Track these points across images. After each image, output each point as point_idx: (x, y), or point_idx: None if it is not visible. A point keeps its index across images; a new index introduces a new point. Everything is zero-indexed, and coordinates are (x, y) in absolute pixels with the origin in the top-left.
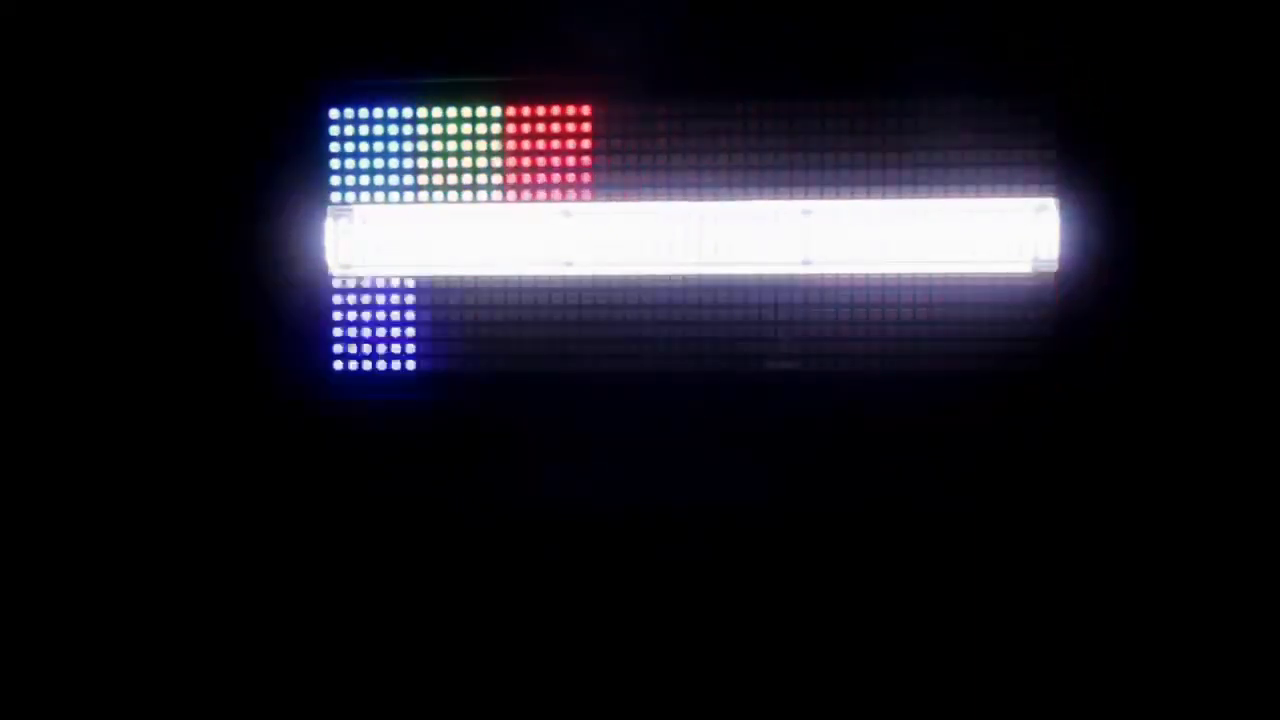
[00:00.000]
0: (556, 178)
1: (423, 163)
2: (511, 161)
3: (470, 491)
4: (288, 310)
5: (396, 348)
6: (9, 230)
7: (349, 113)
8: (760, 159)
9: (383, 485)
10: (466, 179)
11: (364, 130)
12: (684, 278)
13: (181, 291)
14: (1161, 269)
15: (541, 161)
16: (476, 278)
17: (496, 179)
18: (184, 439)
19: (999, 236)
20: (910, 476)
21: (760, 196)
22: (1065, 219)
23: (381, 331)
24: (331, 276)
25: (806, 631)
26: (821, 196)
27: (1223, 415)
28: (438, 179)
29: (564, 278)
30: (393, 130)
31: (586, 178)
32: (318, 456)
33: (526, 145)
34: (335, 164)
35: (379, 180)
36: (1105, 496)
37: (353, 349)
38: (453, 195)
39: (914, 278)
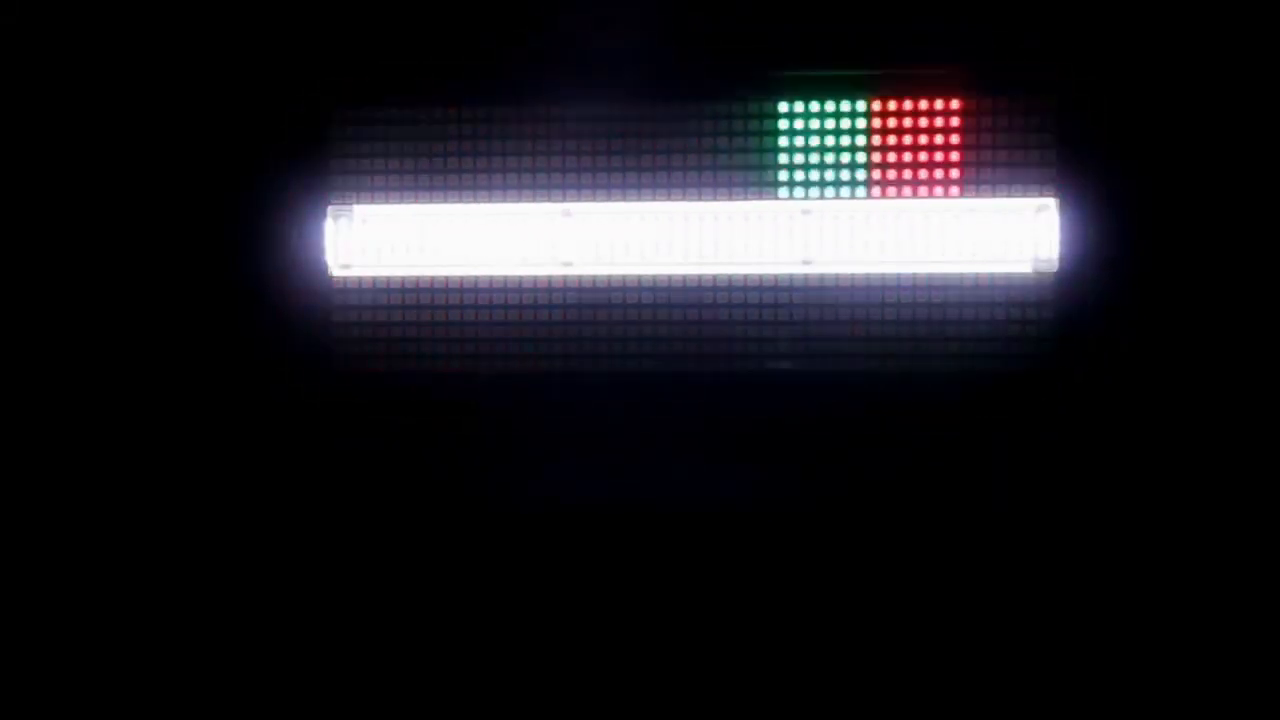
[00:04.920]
0: (557, 178)
1: (423, 163)
2: (511, 161)
3: (471, 491)
4: (288, 310)
5: (396, 348)
6: (9, 229)
7: (350, 112)
8: (758, 159)
9: (383, 486)
10: (466, 179)
11: (364, 130)
12: (684, 278)
13: (181, 291)
14: (1161, 269)
15: (542, 161)
16: (476, 278)
17: (496, 179)
18: (183, 439)
19: (999, 236)
20: (910, 476)
21: (760, 196)
22: (1065, 219)
23: (381, 331)
24: (331, 276)
25: (805, 631)
26: (821, 196)
27: (1224, 415)
28: (438, 179)
29: (564, 278)
30: (393, 130)
31: (586, 178)
32: (318, 457)
33: (526, 145)
34: (336, 163)
35: (379, 180)
36: (1106, 496)
37: (353, 349)
38: (453, 195)
39: (914, 278)
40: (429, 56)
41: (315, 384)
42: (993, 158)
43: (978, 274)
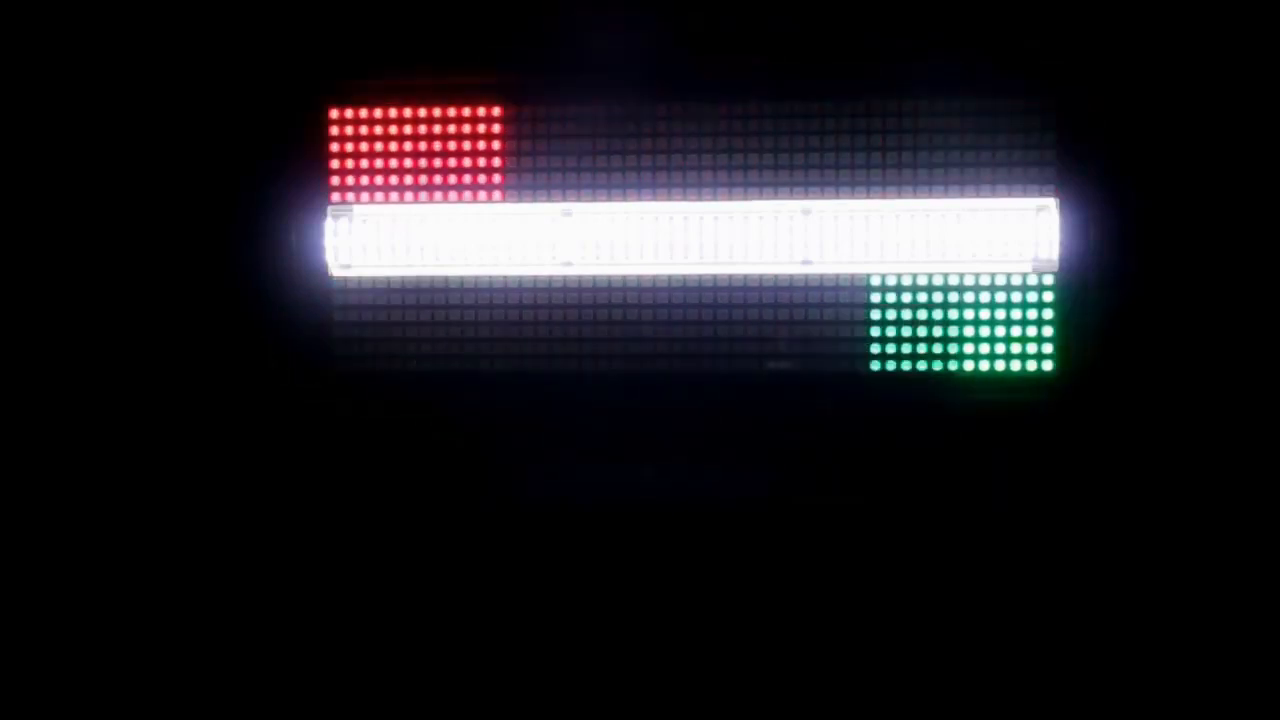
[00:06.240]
0: (556, 178)
1: (423, 163)
2: (511, 161)
3: (470, 491)
4: (288, 310)
5: (396, 348)
6: (7, 229)
7: (349, 112)
8: (760, 159)
9: (383, 486)
10: (467, 179)
11: (364, 130)
12: (684, 278)
13: (181, 291)
14: (1161, 268)
15: (541, 161)
16: (476, 278)
17: (496, 179)
18: (183, 438)
19: (999, 236)
20: (910, 477)
21: (760, 196)
22: (1065, 219)
23: (381, 331)
24: (331, 276)
25: (805, 631)
26: (821, 196)
27: (1224, 415)
28: (438, 179)
29: (564, 278)
30: (393, 130)
31: (586, 177)
32: (317, 457)
33: (526, 145)
34: (335, 163)
35: (379, 180)
36: (1106, 497)
37: (353, 349)
38: (453, 195)
39: (914, 278)
40: (428, 57)
41: (315, 384)
42: (993, 158)
43: (978, 274)
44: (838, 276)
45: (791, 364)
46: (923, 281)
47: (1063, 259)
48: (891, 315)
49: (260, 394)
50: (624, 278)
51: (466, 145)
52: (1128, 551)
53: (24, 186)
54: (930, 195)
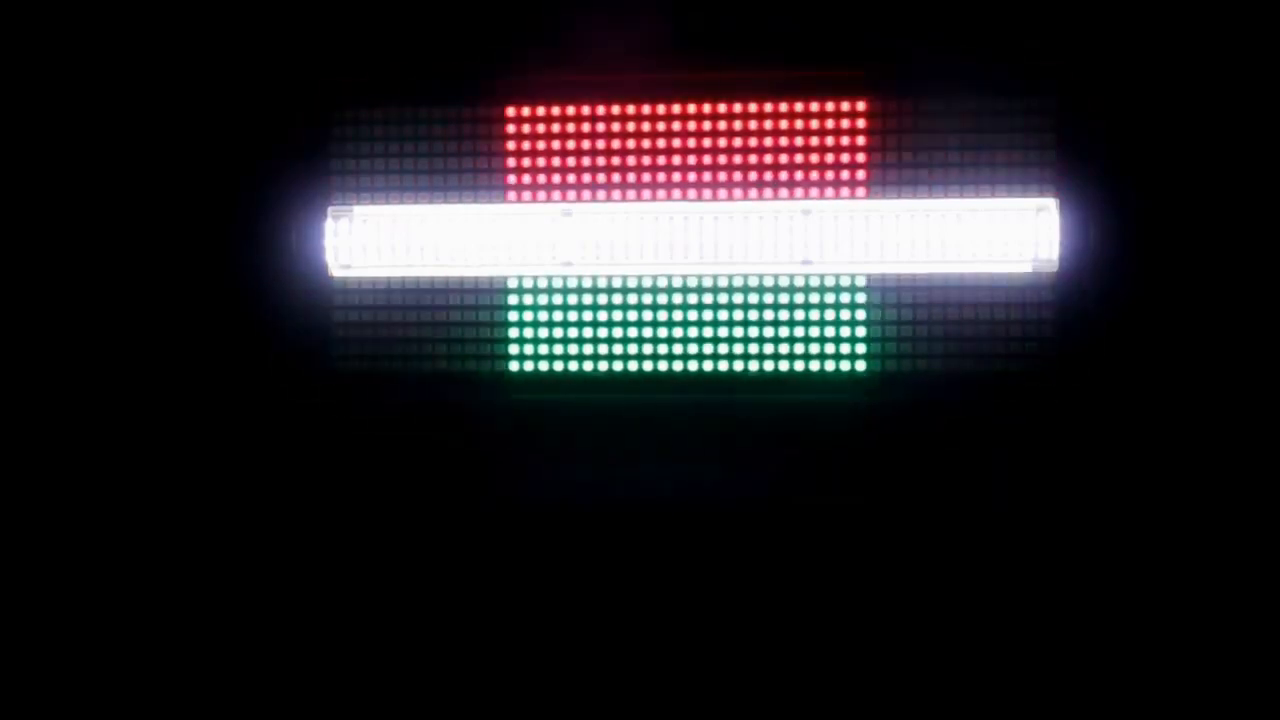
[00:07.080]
0: (557, 178)
1: (423, 163)
2: (511, 161)
3: (469, 492)
4: (288, 310)
5: (397, 348)
6: (10, 229)
7: (350, 112)
8: (760, 159)
9: (382, 486)
10: (466, 179)
11: (364, 130)
12: (684, 278)
13: (181, 291)
14: (1162, 268)
15: (542, 161)
16: (476, 278)
17: (498, 179)
18: (183, 438)
19: (999, 236)
20: (910, 476)
21: (760, 196)
22: (1065, 219)
23: (381, 331)
24: (331, 276)
25: (805, 631)
26: (821, 196)
27: (1223, 415)
28: (438, 179)
29: (564, 278)
30: (393, 130)
31: (587, 178)
32: (317, 457)
33: (527, 145)
34: (336, 164)
35: (379, 180)
36: (1106, 496)
37: (353, 349)
38: (453, 195)
39: (914, 278)
40: (429, 56)
41: (315, 384)
42: (993, 158)
43: (978, 274)
44: (838, 276)
45: (792, 365)
46: (923, 281)
47: (1063, 259)
48: (892, 315)
49: (260, 394)
50: (624, 278)
51: (466, 145)
52: (1127, 551)
53: (27, 185)
54: (930, 195)
